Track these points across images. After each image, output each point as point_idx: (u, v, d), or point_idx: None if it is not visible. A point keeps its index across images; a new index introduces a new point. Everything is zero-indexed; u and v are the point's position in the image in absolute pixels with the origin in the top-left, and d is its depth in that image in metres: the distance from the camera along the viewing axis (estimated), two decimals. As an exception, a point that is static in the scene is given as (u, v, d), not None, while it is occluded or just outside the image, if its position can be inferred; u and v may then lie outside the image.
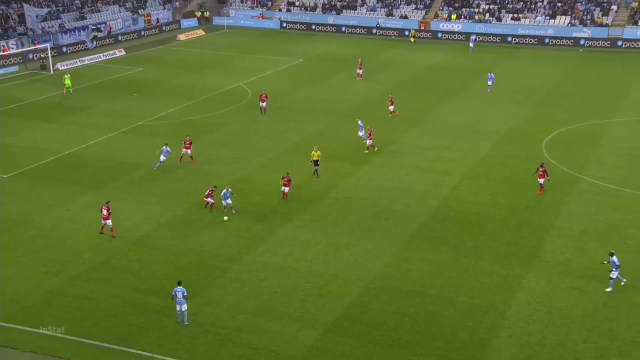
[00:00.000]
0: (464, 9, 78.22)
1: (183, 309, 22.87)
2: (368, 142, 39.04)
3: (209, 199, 31.18)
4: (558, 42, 71.88)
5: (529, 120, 46.05)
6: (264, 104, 45.86)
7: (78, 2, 73.82)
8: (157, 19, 79.93)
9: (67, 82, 50.94)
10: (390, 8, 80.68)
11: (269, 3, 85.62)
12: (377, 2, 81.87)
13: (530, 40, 72.43)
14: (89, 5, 74.83)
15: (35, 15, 64.28)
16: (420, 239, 29.34)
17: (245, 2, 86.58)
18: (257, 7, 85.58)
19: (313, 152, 35.60)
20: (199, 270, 26.62)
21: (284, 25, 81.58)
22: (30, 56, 60.09)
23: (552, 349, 21.97)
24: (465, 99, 51.47)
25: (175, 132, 42.59)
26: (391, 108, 46.24)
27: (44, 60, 59.22)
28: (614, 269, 24.88)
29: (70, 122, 44.70)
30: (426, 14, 79.59)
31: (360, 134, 40.54)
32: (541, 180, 33.70)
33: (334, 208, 32.28)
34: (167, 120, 45.14)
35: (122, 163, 37.20)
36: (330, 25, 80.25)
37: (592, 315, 23.76)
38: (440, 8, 79.42)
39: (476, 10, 77.71)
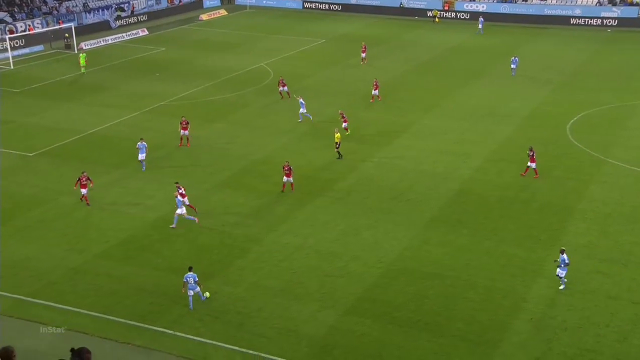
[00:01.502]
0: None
1: (196, 291, 22.62)
2: (344, 124, 38.28)
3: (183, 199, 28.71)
4: (586, 21, 70.45)
5: (553, 103, 45.32)
6: (285, 87, 45.08)
7: (101, -19, 73.92)
8: (180, -2, 79.82)
9: (82, 61, 51.18)
10: (413, -12, 79.50)
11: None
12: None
13: (557, 20, 71.09)
14: (112, -15, 74.89)
15: None
16: (440, 221, 29.13)
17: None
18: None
19: (338, 134, 35.20)
20: (219, 250, 26.73)
21: (306, 5, 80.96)
22: (55, 35, 60.36)
23: (573, 332, 21.75)
24: (487, 80, 50.76)
25: (196, 112, 42.64)
26: (375, 92, 44.67)
27: (68, 40, 59.52)
28: (561, 267, 23.60)
29: (93, 101, 44.94)
30: (450, -7, 78.38)
31: (302, 110, 40.43)
32: (533, 165, 32.90)
33: (354, 190, 32.15)
34: (189, 100, 45.19)
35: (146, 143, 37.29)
36: (353, 5, 79.44)
37: (615, 299, 23.45)
38: (465, -13, 78.07)
39: (502, -10, 76.27)
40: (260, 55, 57.74)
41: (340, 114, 38.78)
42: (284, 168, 31.41)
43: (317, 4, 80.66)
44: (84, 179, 29.81)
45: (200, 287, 22.89)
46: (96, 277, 24.73)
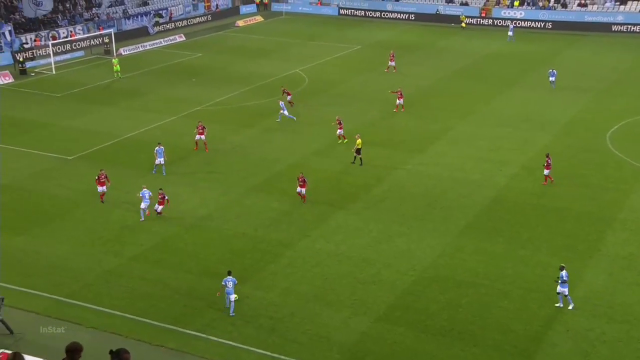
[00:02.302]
0: (527, -5, 76.00)
1: (232, 299, 22.82)
2: (339, 131, 38.12)
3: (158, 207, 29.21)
4: (628, 28, 69.00)
5: (593, 110, 44.47)
6: (290, 97, 44.22)
7: (141, -12, 75.28)
8: (217, 5, 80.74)
9: (116, 67, 52.07)
10: (451, -6, 79.10)
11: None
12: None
13: (597, 27, 69.80)
14: (151, -9, 76.18)
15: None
16: (475, 229, 28.78)
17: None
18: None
19: (359, 140, 35.14)
20: (252, 254, 26.84)
21: (342, 11, 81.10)
22: (95, 41, 61.55)
23: (612, 345, 21.21)
24: (524, 87, 50.06)
25: (231, 117, 43.00)
26: (400, 102, 43.86)
27: (108, 45, 60.68)
28: (560, 284, 22.86)
29: (130, 106, 45.68)
30: (487, 0, 77.68)
31: (284, 112, 41.02)
32: (546, 171, 32.54)
33: (388, 196, 31.99)
34: (224, 106, 45.59)
35: (179, 147, 37.77)
36: (388, 11, 79.32)
37: (655, 313, 22.81)
38: (503, -6, 77.36)
39: (540, -4, 75.35)
40: (295, 62, 58.00)
41: (337, 119, 38.57)
42: (298, 179, 30.95)
43: (353, 11, 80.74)
44: (102, 176, 30.60)
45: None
46: (131, 279, 25.05)
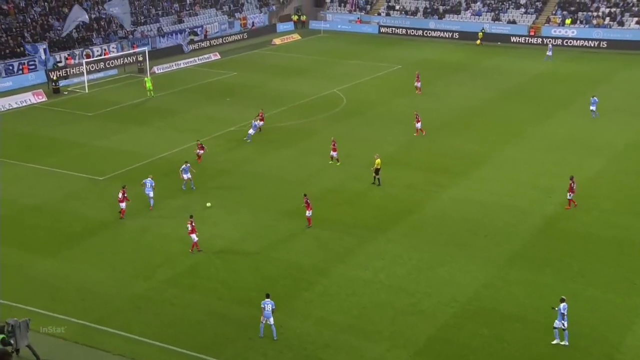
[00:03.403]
0: (580, 13, 75.37)
1: (270, 322, 23.02)
2: (332, 153, 38.58)
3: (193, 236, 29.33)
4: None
5: (650, 134, 43.68)
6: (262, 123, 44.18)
7: (177, 5, 77.07)
8: (253, 22, 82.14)
9: (148, 84, 53.22)
10: (497, 12, 79.04)
11: (368, 7, 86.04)
12: (483, 7, 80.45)
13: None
14: (187, 9, 77.93)
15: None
16: (521, 258, 28.42)
17: (344, 6, 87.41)
18: (355, 11, 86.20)
19: (379, 160, 35.40)
20: (285, 281, 26.96)
21: (383, 30, 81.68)
22: (129, 60, 63.11)
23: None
24: (576, 110, 49.49)
25: (266, 137, 43.49)
26: (418, 125, 43.71)
27: (141, 64, 62.17)
28: (559, 318, 22.52)
29: (163, 126, 46.59)
30: (537, 18, 77.35)
31: (251, 131, 42.38)
32: (569, 195, 32.37)
33: (429, 222, 31.86)
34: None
35: (212, 169, 38.34)
36: (431, 30, 79.57)
37: None
38: (553, 12, 76.92)
39: (594, 14, 74.68)
40: (332, 81, 58.50)
41: (332, 141, 38.93)
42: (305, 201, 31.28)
43: (393, 29, 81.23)
44: (122, 193, 31.95)
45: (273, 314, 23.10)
46: (161, 305, 25.37)
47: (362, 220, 32.06)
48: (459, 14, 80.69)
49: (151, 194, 33.32)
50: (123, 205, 32.18)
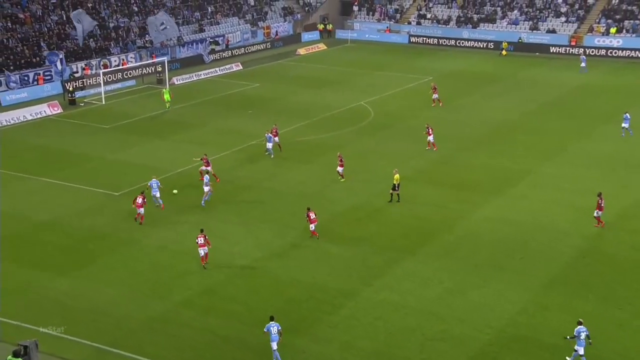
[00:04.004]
0: (626, 22, 74.70)
1: (274, 348, 22.99)
2: (340, 169, 38.60)
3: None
4: None
5: (701, 151, 43.03)
6: (277, 138, 43.89)
7: (198, 14, 78.06)
8: (277, 32, 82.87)
9: (166, 96, 53.81)
10: (535, 21, 78.77)
11: (398, 15, 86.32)
12: (521, 15, 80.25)
13: None
14: (208, 17, 78.88)
15: (159, 24, 68.19)
16: (561, 283, 28.08)
17: (372, 15, 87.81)
18: (384, 19, 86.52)
19: (397, 176, 35.46)
20: (309, 304, 26.93)
21: (413, 39, 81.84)
22: (147, 70, 63.81)
23: None
24: (619, 124, 48.87)
25: (289, 152, 43.66)
26: (430, 138, 43.61)
27: (160, 74, 62.91)
28: (577, 344, 22.49)
29: (182, 139, 47.06)
30: (578, 27, 76.88)
31: (269, 145, 42.36)
32: (596, 213, 32.21)
33: (461, 243, 31.66)
34: (281, 140, 46.32)
35: (233, 184, 38.58)
36: (464, 39, 79.53)
37: None
38: (597, 20, 76.37)
39: (643, 22, 74.06)
40: (360, 93, 58.65)
41: (338, 156, 39.02)
42: (308, 215, 31.96)
43: (425, 39, 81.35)
44: (141, 198, 33.38)
45: (280, 337, 23.11)
46: (177, 327, 25.49)
47: (390, 240, 31.96)
48: (495, 22, 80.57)
49: (158, 194, 34.96)
50: (142, 210, 33.35)
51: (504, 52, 73.99)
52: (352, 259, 30.33)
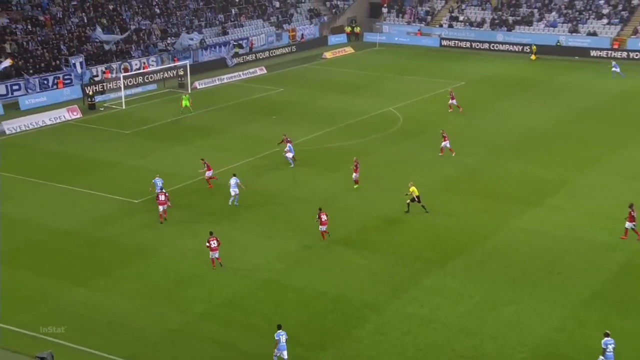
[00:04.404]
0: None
1: (285, 357, 23.21)
2: (355, 175, 38.72)
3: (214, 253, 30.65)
4: None
5: None
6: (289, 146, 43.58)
7: (221, 16, 78.69)
8: (303, 34, 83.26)
9: (185, 102, 54.24)
10: (575, 23, 78.13)
11: (429, 18, 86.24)
12: (559, 17, 79.67)
13: None
14: (232, 19, 79.48)
15: (188, 38, 69.57)
16: (601, 300, 27.76)
17: (401, 17, 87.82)
18: (414, 22, 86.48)
19: (414, 188, 35.42)
20: (334, 317, 26.93)
21: (444, 43, 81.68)
22: (169, 74, 64.25)
23: None
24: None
25: (314, 160, 43.78)
26: (446, 144, 43.58)
27: (182, 79, 63.45)
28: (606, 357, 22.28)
29: (204, 145, 47.39)
30: (622, 29, 76.07)
31: (289, 155, 42.22)
32: (628, 225, 31.89)
33: (494, 255, 31.46)
34: (307, 147, 46.48)
35: (257, 192, 38.75)
36: (498, 43, 79.20)
37: None
38: (643, 22, 75.66)
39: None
40: (388, 98, 58.65)
41: (355, 161, 39.11)
42: (320, 217, 32.74)
43: (456, 42, 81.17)
44: (163, 195, 34.87)
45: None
46: (197, 340, 25.63)
47: (419, 252, 31.88)
48: (531, 25, 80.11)
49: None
50: (163, 207, 34.73)
51: (533, 57, 73.44)
52: (378, 270, 30.29)
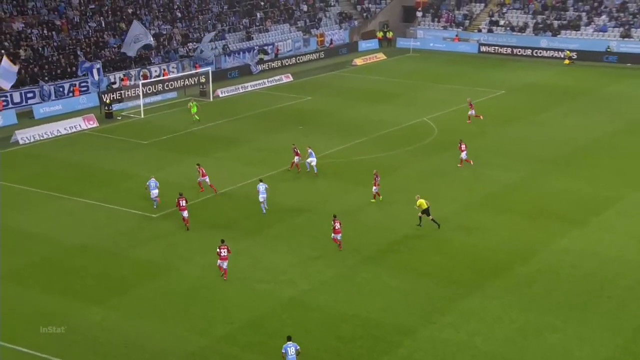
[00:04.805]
0: None
1: None
2: (374, 188, 39.02)
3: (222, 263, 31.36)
4: None
5: None
6: (298, 157, 44.06)
7: (246, 20, 79.22)
8: (332, 40, 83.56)
9: (194, 109, 54.63)
10: (627, 28, 77.36)
11: (466, 22, 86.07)
12: (609, 21, 78.98)
13: None
14: (257, 24, 79.99)
15: (208, 41, 70.03)
16: (653, 327, 27.31)
17: (437, 21, 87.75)
18: (451, 27, 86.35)
19: (421, 200, 35.48)
20: (363, 341, 26.80)
21: (483, 49, 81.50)
22: (190, 81, 64.47)
23: None
24: None
25: (343, 173, 43.77)
26: (463, 155, 44.14)
27: (204, 86, 63.89)
28: None
29: (225, 156, 47.66)
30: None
31: (311, 160, 43.08)
32: None
33: (537, 277, 31.15)
34: (334, 159, 46.51)
35: (280, 207, 38.80)
36: (542, 49, 78.77)
37: None
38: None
39: None
40: (422, 108, 58.55)
41: (375, 174, 39.26)
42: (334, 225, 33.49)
43: (496, 48, 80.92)
44: (184, 200, 36.12)
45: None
46: (217, 364, 25.66)
47: (454, 273, 31.66)
48: (578, 29, 79.52)
49: (156, 192, 38.13)
50: (185, 213, 35.83)
51: (566, 62, 73.08)
52: (412, 292, 30.11)
